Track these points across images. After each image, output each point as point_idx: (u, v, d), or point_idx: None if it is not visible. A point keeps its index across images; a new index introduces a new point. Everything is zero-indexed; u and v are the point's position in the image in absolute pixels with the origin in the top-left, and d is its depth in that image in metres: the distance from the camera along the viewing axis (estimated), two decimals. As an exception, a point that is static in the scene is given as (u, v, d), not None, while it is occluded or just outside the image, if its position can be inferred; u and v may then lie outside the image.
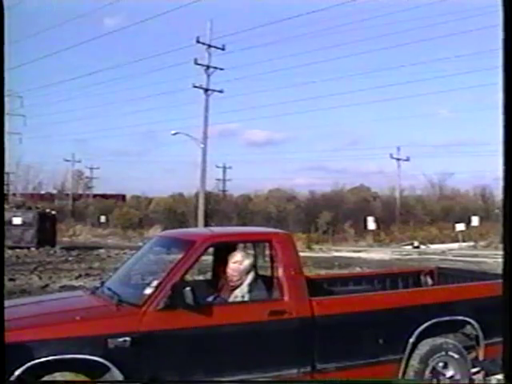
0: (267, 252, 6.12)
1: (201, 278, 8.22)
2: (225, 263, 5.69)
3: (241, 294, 5.47)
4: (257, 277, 5.69)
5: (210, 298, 5.55)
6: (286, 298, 5.31)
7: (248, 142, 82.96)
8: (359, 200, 50.57)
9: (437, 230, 45.86)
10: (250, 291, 5.48)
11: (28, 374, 4.51)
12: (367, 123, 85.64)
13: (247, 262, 5.58)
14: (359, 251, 34.12)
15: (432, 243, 40.63)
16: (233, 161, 73.56)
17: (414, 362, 5.72)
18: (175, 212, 51.30)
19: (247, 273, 5.55)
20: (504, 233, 3.90)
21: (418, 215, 49.82)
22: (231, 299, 5.47)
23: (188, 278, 5.49)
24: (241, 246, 6.15)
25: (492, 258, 26.95)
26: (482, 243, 39.20)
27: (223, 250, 6.01)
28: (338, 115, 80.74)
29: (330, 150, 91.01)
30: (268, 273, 6.00)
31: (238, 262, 5.56)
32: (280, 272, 5.42)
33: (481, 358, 6.10)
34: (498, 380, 5.93)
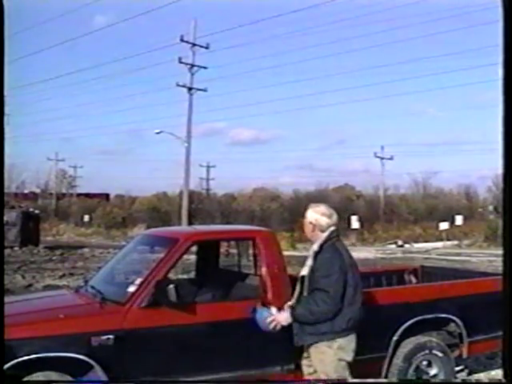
0: (250, 251, 6.11)
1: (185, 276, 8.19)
2: (208, 261, 5.66)
3: None
4: (240, 275, 5.65)
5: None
6: (270, 295, 5.24)
7: (234, 140, 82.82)
8: (343, 199, 50.63)
9: (421, 228, 46.04)
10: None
11: (10, 373, 4.46)
12: (355, 122, 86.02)
13: None
14: (343, 250, 34.08)
15: (416, 242, 40.79)
16: (218, 160, 73.47)
17: (398, 360, 5.70)
18: (159, 211, 51.18)
19: None
20: (504, 233, 3.91)
21: (401, 214, 50.03)
22: None
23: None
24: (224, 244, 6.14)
25: (476, 257, 27.13)
26: (466, 242, 39.44)
27: (206, 248, 6.01)
28: (325, 114, 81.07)
29: (316, 148, 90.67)
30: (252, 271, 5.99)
31: None
32: (264, 270, 5.38)
33: (464, 355, 6.11)
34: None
